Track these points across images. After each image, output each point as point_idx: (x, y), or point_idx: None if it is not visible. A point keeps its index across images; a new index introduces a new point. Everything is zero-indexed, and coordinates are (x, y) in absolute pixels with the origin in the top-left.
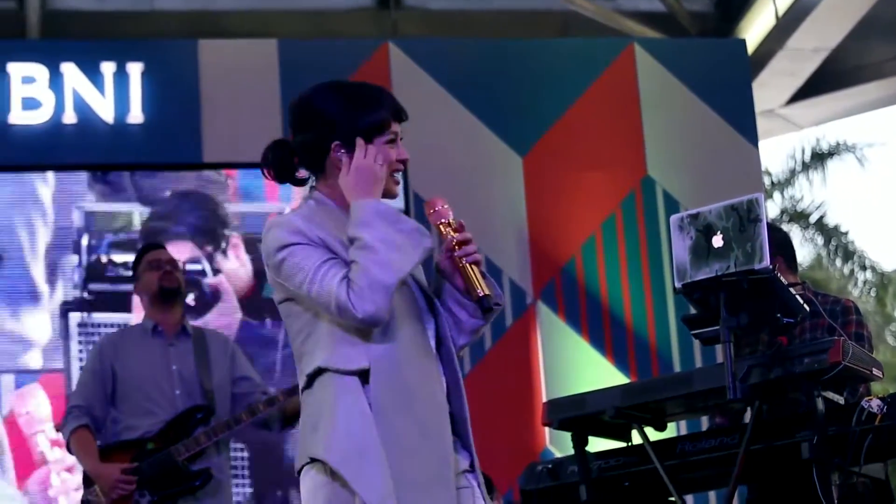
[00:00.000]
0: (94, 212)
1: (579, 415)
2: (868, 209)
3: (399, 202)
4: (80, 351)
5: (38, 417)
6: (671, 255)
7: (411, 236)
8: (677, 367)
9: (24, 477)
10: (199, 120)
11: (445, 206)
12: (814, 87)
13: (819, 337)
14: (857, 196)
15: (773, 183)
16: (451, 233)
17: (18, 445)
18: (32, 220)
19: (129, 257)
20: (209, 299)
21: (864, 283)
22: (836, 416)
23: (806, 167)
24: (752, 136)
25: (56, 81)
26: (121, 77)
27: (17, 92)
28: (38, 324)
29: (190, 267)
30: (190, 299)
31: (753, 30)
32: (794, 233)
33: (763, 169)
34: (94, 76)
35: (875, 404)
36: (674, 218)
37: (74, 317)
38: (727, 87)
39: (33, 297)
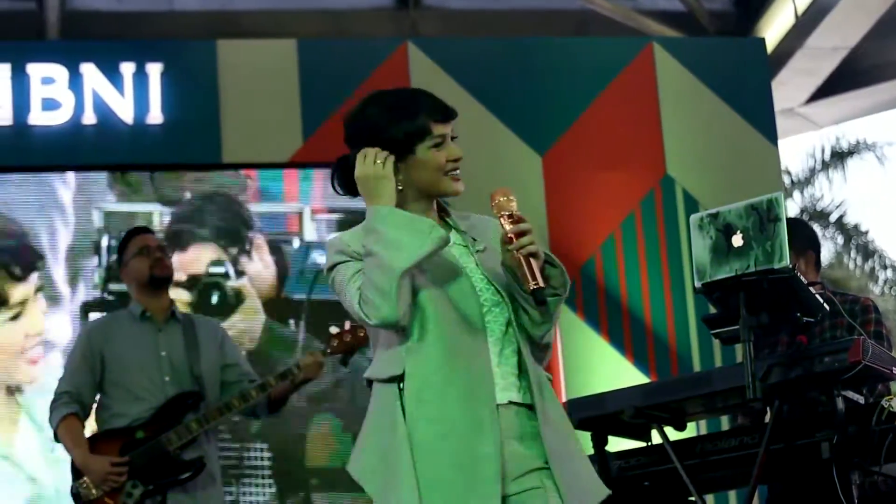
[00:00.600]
0: (114, 212)
1: (599, 414)
2: (888, 208)
3: None
4: None
5: None
6: (691, 255)
7: (418, 233)
8: (697, 367)
9: None
10: (218, 120)
11: (503, 199)
12: (833, 85)
13: (839, 336)
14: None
15: (792, 182)
16: (509, 225)
17: None
18: (53, 221)
19: None
20: (233, 301)
21: (885, 281)
22: (857, 416)
23: (825, 166)
24: (771, 135)
25: (75, 82)
26: (140, 77)
27: (37, 93)
28: (58, 324)
29: (213, 269)
30: (214, 301)
31: (773, 29)
32: None
33: (783, 168)
34: (114, 77)
35: None
36: (693, 217)
37: (94, 317)
38: (747, 86)
39: (54, 298)
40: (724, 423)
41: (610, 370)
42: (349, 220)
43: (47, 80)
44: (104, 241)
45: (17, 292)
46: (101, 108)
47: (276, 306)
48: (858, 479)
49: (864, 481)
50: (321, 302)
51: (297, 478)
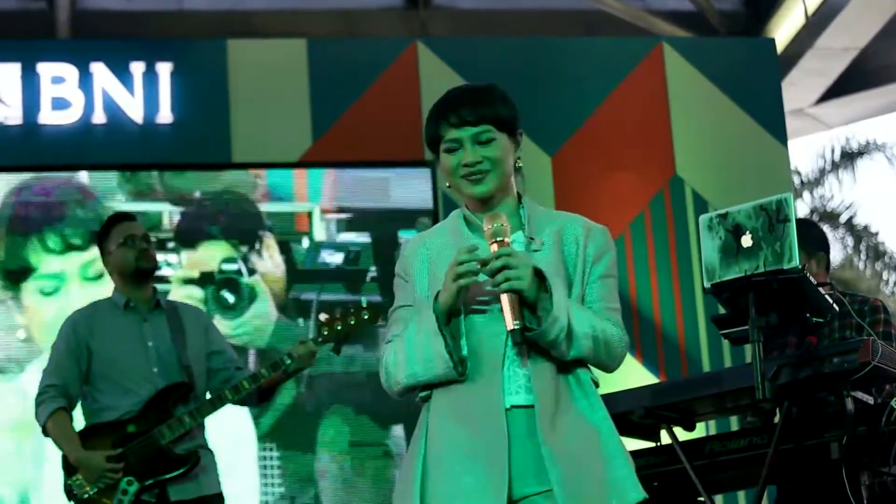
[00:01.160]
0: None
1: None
2: None
3: (428, 202)
4: None
5: None
6: (700, 255)
7: (425, 361)
8: (706, 367)
9: None
10: (228, 120)
11: (494, 225)
12: (843, 86)
13: (848, 337)
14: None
15: (802, 182)
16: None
17: None
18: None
19: (159, 257)
20: (246, 300)
21: (895, 282)
22: (866, 417)
23: (835, 167)
24: (781, 136)
25: (85, 81)
26: (150, 77)
27: (47, 92)
28: None
29: (225, 267)
30: (229, 299)
31: (783, 29)
32: None
33: (792, 168)
34: (124, 76)
35: None
36: (703, 218)
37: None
38: (756, 86)
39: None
40: (734, 423)
41: (619, 370)
42: (359, 219)
43: (57, 80)
44: None
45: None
46: (110, 107)
47: (288, 305)
48: (868, 480)
49: (874, 482)
50: (330, 302)
51: (307, 478)
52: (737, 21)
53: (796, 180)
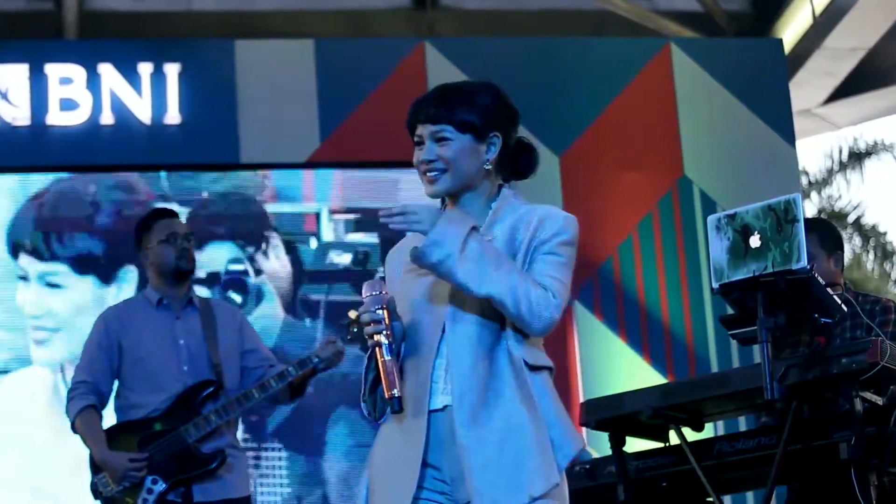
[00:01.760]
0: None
1: (617, 415)
2: None
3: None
4: None
5: None
6: (708, 256)
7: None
8: (715, 368)
9: None
10: (235, 120)
11: (366, 295)
12: (851, 86)
13: (858, 337)
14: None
15: (810, 183)
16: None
17: None
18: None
19: None
20: (253, 300)
21: None
22: (875, 417)
23: (843, 167)
24: (789, 136)
25: (93, 82)
26: (158, 77)
27: (55, 93)
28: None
29: (232, 267)
30: (237, 299)
31: (790, 29)
32: None
33: (800, 169)
34: (132, 77)
35: None
36: (711, 218)
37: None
38: (764, 86)
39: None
40: (742, 423)
41: (627, 371)
42: (367, 220)
43: (65, 81)
44: None
45: None
46: (118, 108)
47: (294, 305)
48: (876, 480)
49: (883, 482)
50: (338, 303)
51: (315, 478)
52: (744, 22)
53: (804, 180)
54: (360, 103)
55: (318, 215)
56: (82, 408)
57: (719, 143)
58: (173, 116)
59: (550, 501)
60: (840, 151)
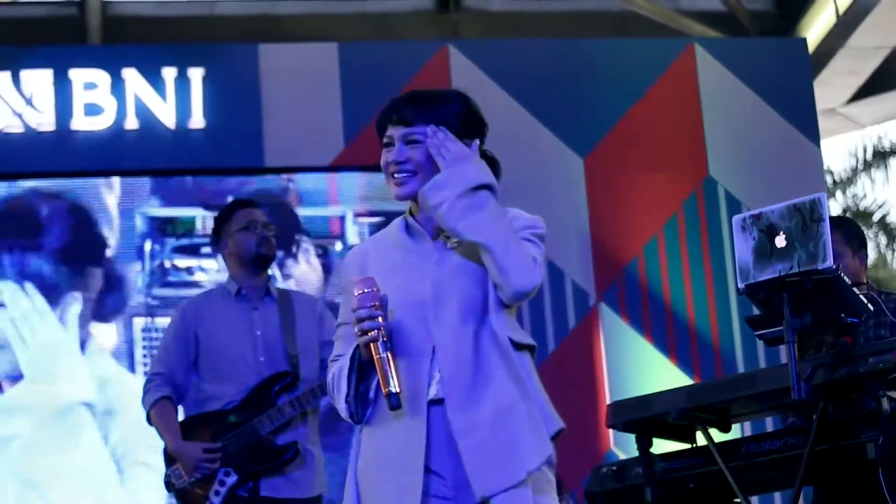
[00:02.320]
0: (157, 217)
1: (643, 417)
2: None
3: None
4: (145, 356)
5: None
6: (733, 256)
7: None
8: (741, 368)
9: None
10: (260, 124)
11: (358, 292)
12: (875, 85)
13: (883, 336)
14: None
15: (834, 182)
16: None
17: None
18: (99, 226)
19: (193, 262)
20: None
21: None
22: None
23: (868, 166)
24: (813, 136)
25: (118, 87)
26: (182, 82)
27: (80, 98)
28: (103, 330)
29: None
30: None
31: (814, 28)
32: None
33: (825, 168)
34: (156, 81)
35: None
36: (736, 218)
37: (138, 322)
38: (788, 86)
39: (98, 303)
40: (769, 424)
41: (654, 372)
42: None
43: (90, 86)
44: (147, 246)
45: None
46: (143, 112)
47: None
48: None
49: None
50: None
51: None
52: (768, 21)
53: (829, 180)
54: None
55: (342, 218)
56: (156, 399)
57: (744, 143)
58: (198, 121)
59: (542, 469)
60: (864, 150)
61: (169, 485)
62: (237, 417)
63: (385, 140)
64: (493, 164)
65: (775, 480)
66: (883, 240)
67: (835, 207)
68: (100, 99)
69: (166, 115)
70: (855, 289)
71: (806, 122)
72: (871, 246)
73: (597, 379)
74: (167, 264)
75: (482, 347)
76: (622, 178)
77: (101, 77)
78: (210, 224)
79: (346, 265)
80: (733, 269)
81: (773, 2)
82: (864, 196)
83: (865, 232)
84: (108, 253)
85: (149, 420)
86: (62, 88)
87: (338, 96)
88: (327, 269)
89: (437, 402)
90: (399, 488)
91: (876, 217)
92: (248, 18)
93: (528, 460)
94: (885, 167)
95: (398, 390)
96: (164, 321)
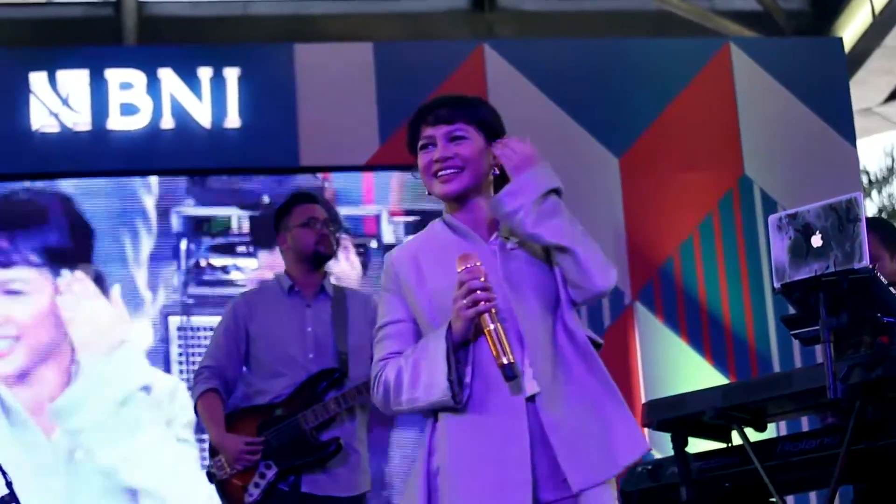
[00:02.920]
0: (193, 216)
1: (679, 416)
2: None
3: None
4: (181, 355)
5: None
6: (769, 255)
7: (433, 385)
8: (777, 368)
9: None
10: (295, 124)
11: (463, 267)
12: None
13: None
14: None
15: (870, 181)
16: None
17: None
18: (136, 226)
19: (228, 261)
20: None
21: None
22: None
23: None
24: (849, 135)
25: (153, 87)
26: (218, 82)
27: (116, 98)
28: (140, 329)
29: None
30: None
31: (850, 28)
32: None
33: (861, 168)
34: (192, 81)
35: None
36: (772, 218)
37: (174, 321)
38: (824, 85)
39: (135, 302)
40: (805, 424)
41: (689, 371)
42: (426, 222)
43: (125, 86)
44: (183, 245)
45: None
46: (178, 112)
47: None
48: None
49: None
50: None
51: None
52: (803, 20)
53: (864, 179)
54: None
55: (377, 217)
56: (203, 391)
57: (780, 142)
58: (233, 120)
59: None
60: None
61: (210, 475)
62: (283, 412)
63: (423, 142)
64: (503, 178)
65: (811, 480)
66: None
67: (870, 207)
68: (136, 99)
69: (202, 114)
70: (892, 289)
71: (842, 121)
72: None
73: (632, 378)
74: (203, 263)
75: (559, 342)
76: (658, 178)
77: (137, 77)
78: (246, 223)
79: (393, 268)
80: (769, 268)
81: (808, 1)
82: None
83: None
84: (146, 252)
85: (196, 411)
86: (98, 88)
87: (373, 96)
88: (365, 266)
89: (531, 398)
90: (500, 483)
91: None
92: (282, 18)
93: (623, 454)
94: None
95: (513, 360)
96: (199, 320)
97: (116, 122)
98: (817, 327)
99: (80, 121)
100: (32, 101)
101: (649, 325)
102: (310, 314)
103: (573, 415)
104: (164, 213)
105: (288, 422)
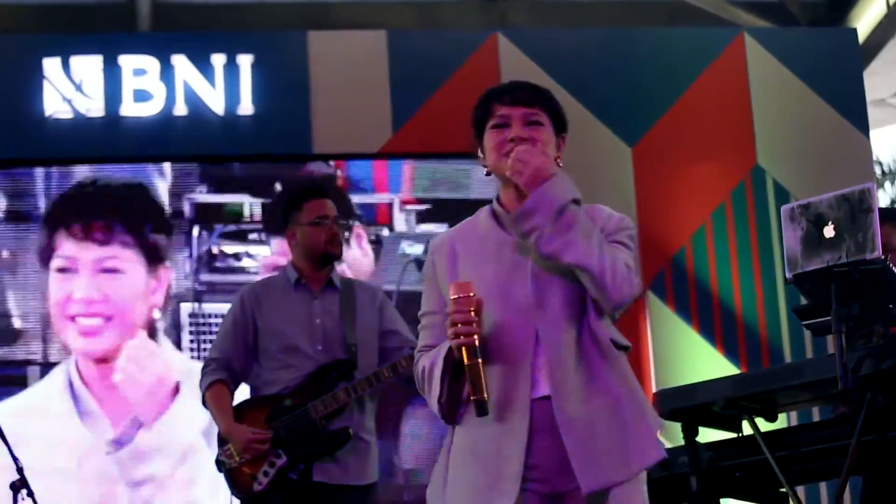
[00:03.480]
0: (205, 203)
1: (690, 405)
2: None
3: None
4: (192, 342)
5: None
6: (781, 246)
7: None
8: (788, 358)
9: None
10: (308, 111)
11: (455, 297)
12: None
13: None
14: None
15: (883, 172)
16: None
17: None
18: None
19: (240, 248)
20: None
21: None
22: None
23: None
24: (863, 126)
25: (167, 73)
26: (231, 69)
27: (129, 84)
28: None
29: None
30: None
31: (864, 18)
32: None
33: (874, 158)
34: (205, 68)
35: None
36: (785, 208)
37: (185, 307)
38: (838, 76)
39: None
40: (816, 414)
41: (700, 361)
42: (438, 210)
43: (139, 72)
44: (195, 232)
45: None
46: (192, 99)
47: None
48: None
49: None
50: (409, 293)
51: (388, 473)
52: (818, 11)
53: (877, 170)
54: (432, 94)
55: (390, 205)
56: (211, 383)
57: (793, 132)
58: (246, 107)
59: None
60: None
61: (220, 464)
62: (292, 402)
63: (496, 121)
64: None
65: (821, 470)
66: None
67: (883, 198)
68: (149, 85)
69: (215, 101)
70: None
71: (855, 112)
72: None
73: (643, 367)
74: (214, 250)
75: (584, 344)
76: (670, 168)
77: (150, 63)
78: (258, 211)
79: (432, 255)
80: (781, 258)
81: None
82: None
83: None
84: (158, 238)
85: (204, 403)
86: (112, 75)
87: (386, 84)
88: (377, 254)
89: (541, 398)
90: (495, 477)
91: None
92: (296, 5)
93: (640, 457)
94: None
95: (486, 398)
96: (210, 307)
97: (130, 109)
98: (829, 318)
99: (94, 107)
100: (46, 86)
101: (661, 315)
102: (317, 306)
103: (590, 416)
104: (175, 200)
105: (297, 411)
